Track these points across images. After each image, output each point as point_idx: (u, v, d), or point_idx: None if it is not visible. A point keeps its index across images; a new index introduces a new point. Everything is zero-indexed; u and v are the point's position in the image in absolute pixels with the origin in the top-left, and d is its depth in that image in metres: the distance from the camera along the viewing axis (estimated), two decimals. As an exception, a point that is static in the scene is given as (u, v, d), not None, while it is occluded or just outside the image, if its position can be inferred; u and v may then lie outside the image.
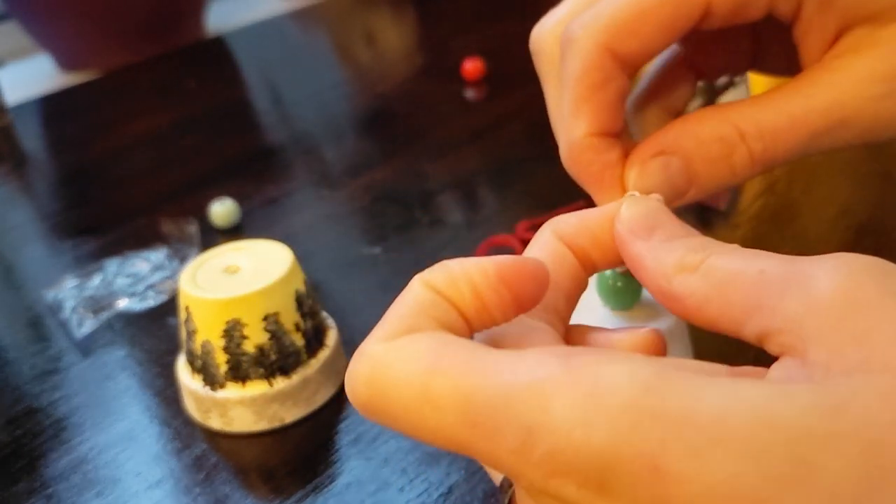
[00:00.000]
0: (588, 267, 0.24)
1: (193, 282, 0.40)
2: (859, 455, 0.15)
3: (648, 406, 0.16)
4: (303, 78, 0.90)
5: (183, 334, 0.41)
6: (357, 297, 0.49)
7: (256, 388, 0.39)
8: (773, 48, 0.29)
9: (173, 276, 0.53)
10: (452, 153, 0.66)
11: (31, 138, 0.84)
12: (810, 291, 0.18)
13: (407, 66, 0.91)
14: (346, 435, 0.39)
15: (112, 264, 0.55)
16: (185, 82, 0.90)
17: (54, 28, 0.96)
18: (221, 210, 0.58)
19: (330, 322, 0.44)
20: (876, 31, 0.25)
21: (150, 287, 0.52)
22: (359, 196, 0.61)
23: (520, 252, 0.50)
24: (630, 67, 0.25)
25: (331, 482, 0.37)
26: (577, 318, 0.31)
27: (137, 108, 0.86)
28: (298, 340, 0.40)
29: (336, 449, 0.39)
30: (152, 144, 0.76)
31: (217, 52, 1.02)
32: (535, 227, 0.53)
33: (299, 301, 0.40)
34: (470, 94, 0.77)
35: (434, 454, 0.37)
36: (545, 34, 0.29)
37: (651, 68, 0.30)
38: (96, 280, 0.53)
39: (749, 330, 0.19)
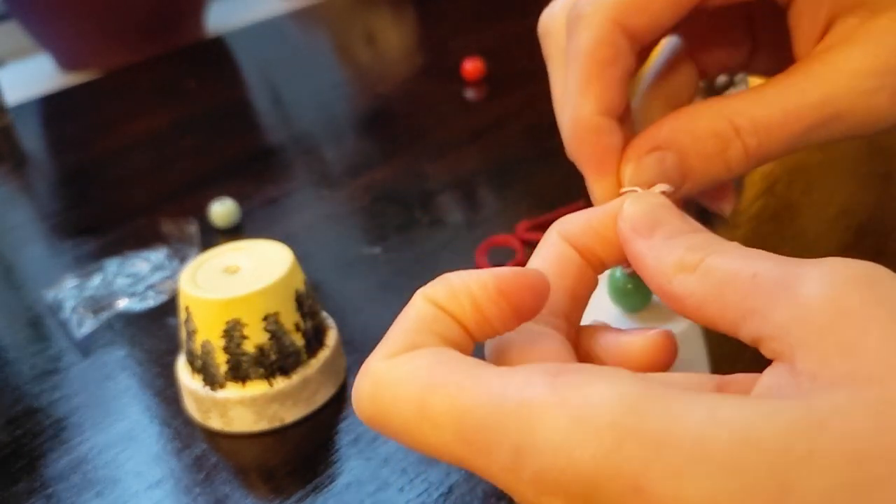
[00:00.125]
0: (596, 266, 0.24)
1: (193, 282, 0.40)
2: (840, 472, 0.15)
3: (631, 426, 0.16)
4: (303, 78, 0.90)
5: (183, 334, 0.41)
6: (357, 297, 0.49)
7: (256, 388, 0.39)
8: (769, 45, 0.29)
9: (173, 276, 0.53)
10: (452, 153, 0.66)
11: (31, 138, 0.84)
12: (798, 300, 0.18)
13: (407, 66, 0.91)
14: (346, 435, 0.39)
15: (112, 264, 0.55)
16: (185, 82, 0.90)
17: (54, 28, 0.96)
18: (221, 210, 0.58)
19: (330, 322, 0.44)
20: (867, 22, 0.25)
21: (150, 287, 0.52)
22: (359, 196, 0.61)
23: (520, 252, 0.50)
24: (638, 44, 0.26)
25: (331, 482, 0.37)
26: (588, 319, 0.31)
27: (137, 108, 0.86)
28: (298, 340, 0.40)
29: (336, 449, 0.39)
30: (152, 144, 0.76)
31: (217, 52, 1.02)
32: (535, 227, 0.53)
33: (299, 301, 0.40)
34: (470, 94, 0.77)
35: (434, 454, 0.37)
36: (554, 16, 0.29)
37: (655, 64, 0.30)
38: (96, 280, 0.53)
39: (744, 333, 0.19)
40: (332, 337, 0.43)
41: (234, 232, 0.58)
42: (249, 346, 0.39)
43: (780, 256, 0.19)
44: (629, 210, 0.23)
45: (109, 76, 0.96)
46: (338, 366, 0.42)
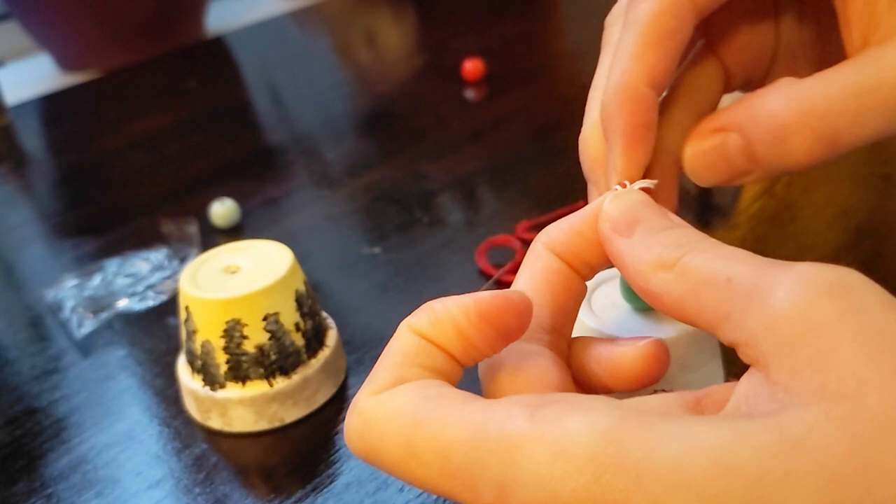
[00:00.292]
0: (584, 273, 0.24)
1: (193, 282, 0.40)
2: (817, 494, 0.15)
3: (610, 457, 0.16)
4: (303, 78, 0.90)
5: (183, 334, 0.41)
6: (357, 297, 0.49)
7: (256, 388, 0.39)
8: (790, 53, 0.29)
9: (173, 276, 0.53)
10: (452, 153, 0.66)
11: (31, 138, 0.85)
12: (770, 310, 0.18)
13: (407, 66, 0.91)
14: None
15: (112, 264, 0.55)
16: (186, 82, 0.90)
17: (54, 28, 0.96)
18: (221, 210, 0.58)
19: (330, 322, 0.44)
20: None
21: (150, 287, 0.52)
22: (359, 196, 0.61)
23: (520, 252, 0.50)
24: (699, 17, 0.25)
25: (331, 482, 0.37)
26: (601, 318, 0.31)
27: (137, 109, 0.86)
28: (298, 340, 0.40)
29: (336, 449, 0.39)
30: (152, 144, 0.76)
31: (217, 52, 1.03)
32: (535, 227, 0.53)
33: (299, 301, 0.40)
34: (470, 94, 0.78)
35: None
36: (623, 6, 0.27)
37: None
38: (96, 280, 0.53)
39: (721, 335, 0.19)
40: (332, 337, 0.43)
41: (234, 232, 0.59)
42: (249, 346, 0.39)
43: (758, 258, 0.19)
44: (608, 209, 0.23)
45: (109, 76, 0.96)
46: (338, 366, 0.43)
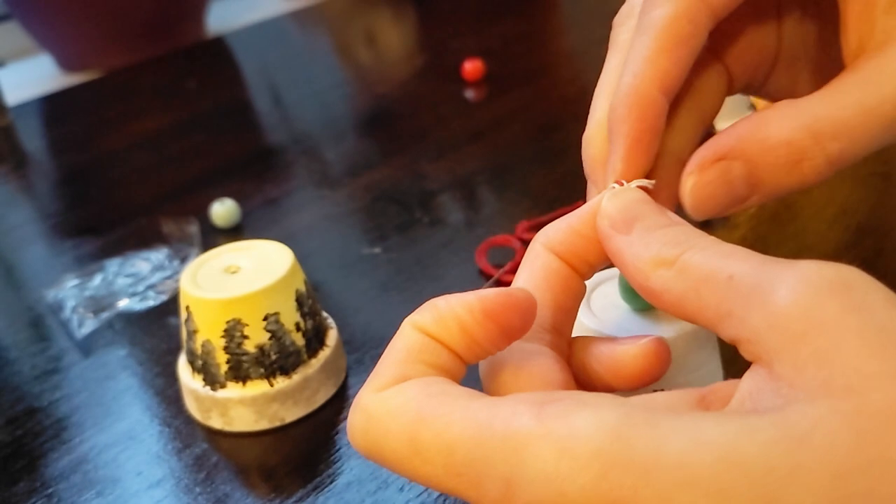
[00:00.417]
0: (584, 272, 0.24)
1: (194, 282, 0.40)
2: (824, 489, 0.15)
3: (617, 453, 0.16)
4: (303, 78, 0.90)
5: (183, 334, 0.41)
6: (357, 297, 0.49)
7: (257, 387, 0.39)
8: (791, 55, 0.28)
9: (174, 276, 0.53)
10: (452, 153, 0.66)
11: (31, 138, 0.85)
12: (772, 307, 0.18)
13: (407, 66, 0.91)
14: (346, 434, 0.39)
15: (112, 264, 0.55)
16: (186, 83, 0.90)
17: (55, 28, 0.96)
18: (222, 210, 0.58)
19: (330, 322, 0.44)
20: None
21: (151, 287, 0.52)
22: (359, 196, 0.61)
23: (520, 252, 0.50)
24: (714, 23, 0.24)
25: (331, 481, 0.37)
26: (600, 318, 0.31)
27: (138, 109, 0.86)
28: (299, 340, 0.40)
29: (336, 448, 0.39)
30: (152, 144, 0.76)
31: (217, 52, 1.03)
32: (535, 227, 0.53)
33: (299, 301, 0.40)
34: (470, 94, 0.78)
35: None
36: (633, 5, 0.27)
37: None
38: (97, 280, 0.53)
39: (721, 332, 0.19)
40: (332, 337, 0.43)
41: (235, 232, 0.59)
42: (250, 346, 0.39)
43: (758, 255, 0.19)
44: (607, 206, 0.23)
45: (110, 76, 0.96)
46: (338, 366, 0.43)
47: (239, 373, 0.39)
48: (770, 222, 0.51)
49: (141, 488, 0.38)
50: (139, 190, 0.68)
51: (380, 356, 0.22)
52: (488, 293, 0.21)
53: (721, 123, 0.60)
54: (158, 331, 0.49)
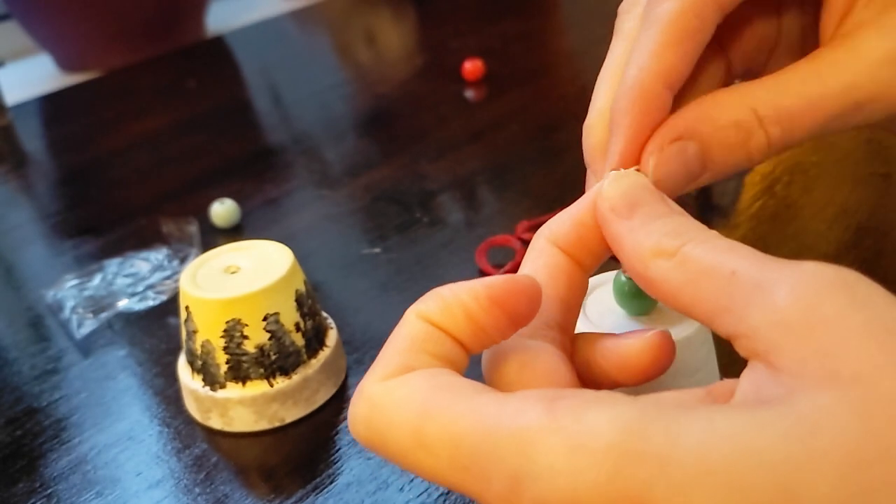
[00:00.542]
0: (587, 266, 0.24)
1: (194, 282, 0.40)
2: (841, 473, 0.15)
3: (631, 448, 0.16)
4: (303, 78, 0.90)
5: (183, 334, 0.41)
6: (357, 297, 0.49)
7: (256, 387, 0.39)
8: (790, 42, 0.29)
9: (173, 276, 0.53)
10: (452, 153, 0.66)
11: (31, 138, 0.85)
12: (775, 305, 0.18)
13: (407, 66, 0.91)
14: (346, 434, 0.39)
15: (112, 264, 0.55)
16: (186, 82, 0.90)
17: (54, 28, 0.96)
18: (221, 210, 0.58)
19: (330, 322, 0.44)
20: (889, 9, 0.24)
21: (150, 287, 0.52)
22: (359, 196, 0.61)
23: (520, 252, 0.50)
24: (721, 17, 0.25)
25: (331, 482, 0.37)
26: (596, 323, 0.30)
27: (137, 108, 0.86)
28: (299, 340, 0.40)
29: (336, 449, 0.39)
30: (152, 144, 0.76)
31: (217, 52, 1.03)
32: (535, 228, 0.53)
33: (299, 301, 0.40)
34: (470, 94, 0.78)
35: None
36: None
37: None
38: (96, 280, 0.53)
39: (718, 327, 0.19)
40: (332, 337, 0.43)
41: (234, 232, 0.59)
42: (250, 346, 0.39)
43: (758, 253, 0.19)
44: (608, 190, 0.23)
45: (109, 76, 0.96)
46: (338, 366, 0.42)
47: (239, 373, 0.39)
48: (770, 222, 0.51)
49: (141, 489, 0.38)
50: (139, 190, 0.68)
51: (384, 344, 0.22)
52: (493, 280, 0.21)
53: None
54: (158, 331, 0.49)
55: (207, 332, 0.39)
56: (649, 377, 0.23)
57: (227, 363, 0.39)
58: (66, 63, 1.01)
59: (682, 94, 0.27)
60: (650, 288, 0.21)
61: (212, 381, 0.40)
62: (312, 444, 0.39)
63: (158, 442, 0.41)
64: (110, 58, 0.97)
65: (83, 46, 0.98)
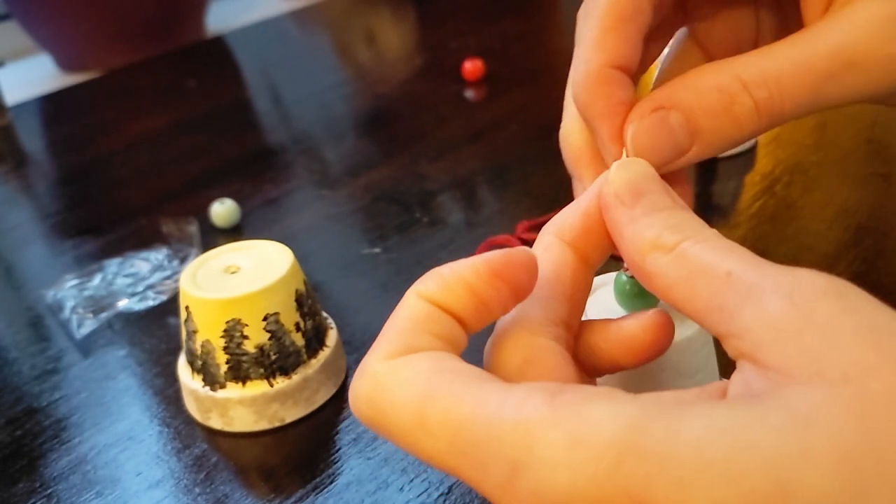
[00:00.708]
0: (594, 261, 0.24)
1: (194, 282, 0.40)
2: (835, 468, 0.15)
3: (631, 443, 0.16)
4: (303, 78, 0.90)
5: (183, 334, 0.41)
6: (357, 297, 0.49)
7: (256, 387, 0.39)
8: (775, 28, 0.29)
9: (173, 276, 0.53)
10: (452, 153, 0.66)
11: (31, 138, 0.85)
12: (767, 306, 0.18)
13: (407, 66, 0.91)
14: (346, 435, 0.39)
15: (112, 264, 0.55)
16: (186, 82, 0.90)
17: (54, 28, 0.96)
18: (221, 210, 0.58)
19: (330, 322, 0.44)
20: None
21: (150, 287, 0.52)
22: (359, 196, 0.61)
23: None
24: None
25: (331, 482, 0.37)
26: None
27: (137, 108, 0.86)
28: (299, 340, 0.40)
29: (336, 448, 0.39)
30: (152, 144, 0.76)
31: (217, 52, 1.03)
32: (536, 228, 0.53)
33: (299, 301, 0.40)
34: (470, 94, 0.78)
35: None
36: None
37: (665, 55, 0.30)
38: (96, 280, 0.53)
39: (709, 325, 0.20)
40: (332, 337, 0.43)
41: (234, 232, 0.59)
42: (250, 346, 0.39)
43: (756, 257, 0.20)
44: (614, 177, 0.23)
45: (109, 76, 0.96)
46: (338, 366, 0.43)
47: (239, 373, 0.39)
48: (770, 222, 0.51)
49: (140, 489, 0.38)
50: (139, 190, 0.68)
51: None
52: (491, 253, 0.21)
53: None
54: (158, 331, 0.49)
55: (207, 332, 0.39)
56: (651, 356, 0.24)
57: (227, 363, 0.39)
58: (66, 63, 1.01)
59: None
60: (645, 280, 0.21)
61: (212, 381, 0.40)
62: (312, 444, 0.39)
63: (158, 442, 0.41)
64: (110, 58, 0.97)
65: (83, 46, 0.98)
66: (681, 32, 0.30)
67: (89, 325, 0.49)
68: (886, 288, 0.42)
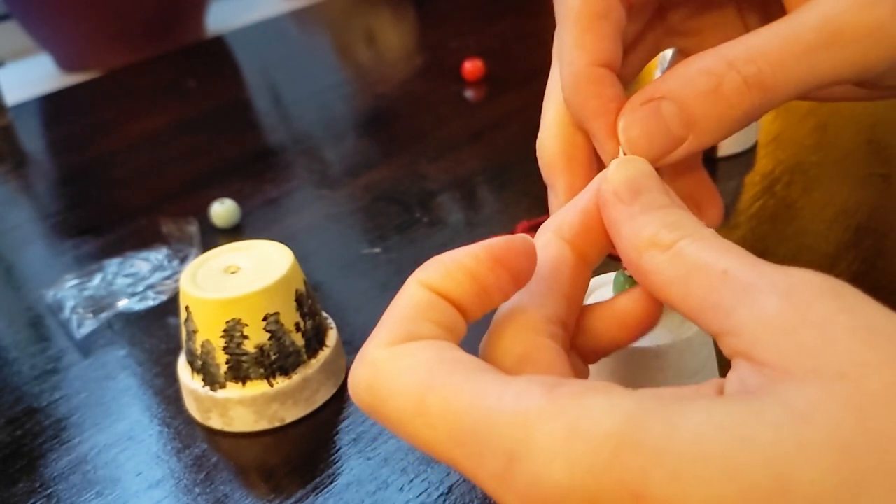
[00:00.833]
0: (592, 260, 0.24)
1: (194, 282, 0.40)
2: (832, 462, 0.15)
3: (629, 436, 0.16)
4: (303, 78, 0.90)
5: (183, 334, 0.41)
6: (357, 297, 0.49)
7: (256, 387, 0.39)
8: (761, 24, 0.29)
9: (173, 276, 0.53)
10: (452, 153, 0.66)
11: (31, 138, 0.85)
12: (763, 304, 0.18)
13: (407, 66, 0.91)
14: (346, 435, 0.39)
15: (112, 264, 0.55)
16: (186, 82, 0.90)
17: (54, 28, 0.96)
18: (221, 210, 0.58)
19: (330, 322, 0.44)
20: None
21: (150, 287, 0.52)
22: (359, 196, 0.61)
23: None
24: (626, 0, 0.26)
25: (331, 482, 0.37)
26: None
27: (137, 108, 0.86)
28: (298, 340, 0.40)
29: (336, 449, 0.39)
30: (152, 144, 0.76)
31: (217, 52, 1.03)
32: (535, 227, 0.53)
33: (299, 301, 0.40)
34: (470, 94, 0.78)
35: (434, 454, 0.37)
36: None
37: (662, 62, 0.30)
38: (96, 280, 0.53)
39: (704, 323, 0.20)
40: (332, 337, 0.43)
41: (234, 232, 0.59)
42: (249, 346, 0.39)
43: (752, 257, 0.20)
44: (613, 175, 0.23)
45: (109, 76, 0.96)
46: (338, 366, 0.43)
47: (239, 373, 0.39)
48: (770, 222, 0.51)
49: (140, 489, 0.38)
50: (139, 190, 0.68)
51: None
52: (490, 240, 0.21)
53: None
54: (158, 331, 0.49)
55: (207, 332, 0.39)
56: (645, 328, 0.24)
57: (227, 363, 0.39)
58: (66, 63, 1.01)
59: None
60: (642, 277, 0.21)
61: (212, 381, 0.40)
62: (312, 444, 0.39)
63: (158, 442, 0.41)
64: (110, 58, 0.97)
65: (83, 46, 0.98)
66: (669, 53, 0.30)
67: (89, 325, 0.49)
68: (886, 288, 0.42)
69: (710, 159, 0.58)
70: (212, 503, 0.37)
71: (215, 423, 0.41)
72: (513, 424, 0.17)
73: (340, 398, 0.42)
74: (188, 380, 0.41)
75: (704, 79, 0.23)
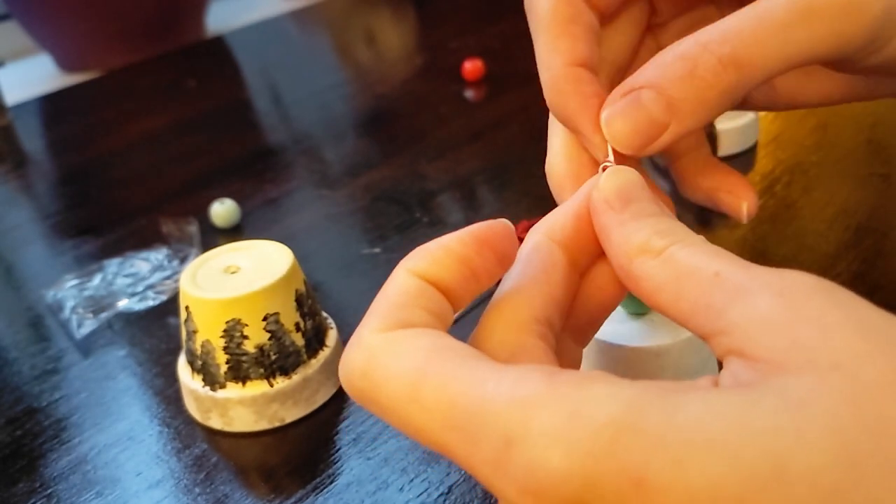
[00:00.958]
0: (580, 264, 0.24)
1: (194, 282, 0.40)
2: (830, 447, 0.15)
3: (629, 422, 0.16)
4: (303, 78, 0.90)
5: (183, 334, 0.41)
6: (357, 297, 0.49)
7: (256, 388, 0.39)
8: None
9: (173, 276, 0.53)
10: (452, 153, 0.66)
11: (31, 138, 0.85)
12: (756, 302, 0.18)
13: (407, 66, 0.91)
14: (346, 435, 0.39)
15: (112, 264, 0.55)
16: (186, 82, 0.90)
17: (54, 28, 0.96)
18: (221, 210, 0.58)
19: (330, 322, 0.44)
20: None
21: (150, 287, 0.52)
22: (359, 196, 0.61)
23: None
24: (595, 5, 0.26)
25: (331, 482, 0.37)
26: None
27: (137, 108, 0.86)
28: (299, 340, 0.40)
29: (336, 449, 0.39)
30: (152, 144, 0.76)
31: (217, 52, 1.03)
32: (535, 228, 0.53)
33: (299, 301, 0.40)
34: (470, 94, 0.78)
35: (434, 454, 0.37)
36: None
37: None
38: (96, 280, 0.53)
39: (694, 325, 0.20)
40: (332, 337, 0.43)
41: (234, 232, 0.59)
42: (249, 346, 0.39)
43: (743, 260, 0.20)
44: (604, 183, 0.23)
45: (109, 76, 0.96)
46: (338, 366, 0.42)
47: (239, 373, 0.39)
48: (770, 222, 0.51)
49: (140, 489, 0.38)
50: (139, 190, 0.68)
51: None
52: (472, 225, 0.22)
53: (720, 124, 0.60)
54: (158, 331, 0.49)
55: (207, 332, 0.39)
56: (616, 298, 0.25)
57: (227, 363, 0.39)
58: (66, 63, 1.01)
59: None
60: (631, 283, 0.22)
61: (212, 381, 0.40)
62: (312, 444, 0.39)
63: (158, 442, 0.41)
64: (110, 58, 0.97)
65: (83, 46, 0.98)
66: None
67: (89, 325, 0.49)
68: (886, 288, 0.42)
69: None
70: (212, 503, 0.37)
71: (215, 423, 0.41)
72: (511, 410, 0.17)
73: (340, 398, 0.42)
74: (188, 380, 0.41)
75: (680, 63, 0.24)
